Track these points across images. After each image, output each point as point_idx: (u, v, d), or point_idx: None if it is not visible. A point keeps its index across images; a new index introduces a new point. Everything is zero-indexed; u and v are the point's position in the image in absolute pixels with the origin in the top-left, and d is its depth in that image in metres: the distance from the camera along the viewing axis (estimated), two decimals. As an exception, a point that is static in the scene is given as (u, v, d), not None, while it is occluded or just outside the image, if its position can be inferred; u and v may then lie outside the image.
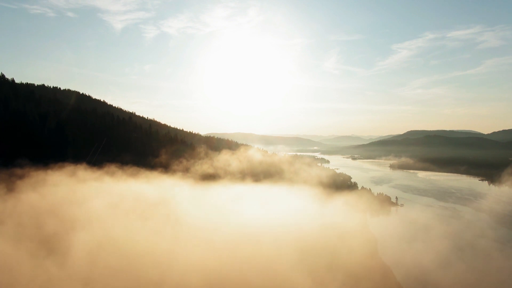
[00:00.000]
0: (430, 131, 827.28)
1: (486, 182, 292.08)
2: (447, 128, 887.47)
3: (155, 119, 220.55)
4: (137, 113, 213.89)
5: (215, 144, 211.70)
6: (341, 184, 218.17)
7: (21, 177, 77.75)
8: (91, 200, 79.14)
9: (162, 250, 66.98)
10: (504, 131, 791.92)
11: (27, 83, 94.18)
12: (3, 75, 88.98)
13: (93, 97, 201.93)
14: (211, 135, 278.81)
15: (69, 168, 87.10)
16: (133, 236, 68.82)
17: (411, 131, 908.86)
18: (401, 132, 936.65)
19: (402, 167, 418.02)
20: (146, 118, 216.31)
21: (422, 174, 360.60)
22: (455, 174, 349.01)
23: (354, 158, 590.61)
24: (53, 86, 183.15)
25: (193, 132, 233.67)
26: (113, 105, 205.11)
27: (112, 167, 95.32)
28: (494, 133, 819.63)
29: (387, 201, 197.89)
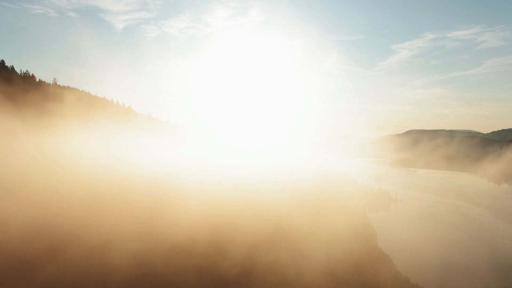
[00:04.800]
0: (430, 130, 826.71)
1: (485, 179, 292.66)
2: (447, 128, 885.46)
3: (155, 117, 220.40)
4: (137, 111, 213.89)
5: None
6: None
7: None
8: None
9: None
10: (503, 130, 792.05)
11: (26, 70, 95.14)
12: (3, 62, 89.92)
13: (93, 94, 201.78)
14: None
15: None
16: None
17: (411, 130, 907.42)
18: (401, 132, 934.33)
19: (402, 165, 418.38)
20: (146, 115, 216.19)
21: (422, 171, 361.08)
22: (455, 172, 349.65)
23: (354, 157, 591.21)
24: (52, 82, 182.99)
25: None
26: (113, 102, 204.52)
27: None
28: (493, 132, 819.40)
29: (387, 197, 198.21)
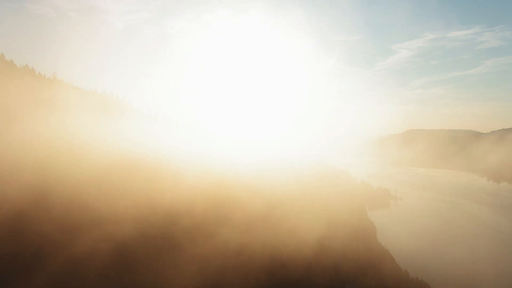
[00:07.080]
0: (430, 130, 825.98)
1: (485, 178, 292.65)
2: (447, 127, 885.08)
3: (156, 114, 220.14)
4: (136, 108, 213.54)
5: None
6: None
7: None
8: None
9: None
10: (503, 130, 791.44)
11: (26, 64, 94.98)
12: (2, 55, 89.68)
13: (92, 90, 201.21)
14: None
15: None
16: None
17: (410, 130, 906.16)
18: (401, 131, 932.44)
19: (402, 164, 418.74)
20: (146, 112, 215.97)
21: (421, 170, 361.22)
22: (454, 170, 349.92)
23: (354, 156, 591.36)
24: (52, 77, 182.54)
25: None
26: (112, 97, 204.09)
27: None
28: (493, 132, 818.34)
29: (386, 194, 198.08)
